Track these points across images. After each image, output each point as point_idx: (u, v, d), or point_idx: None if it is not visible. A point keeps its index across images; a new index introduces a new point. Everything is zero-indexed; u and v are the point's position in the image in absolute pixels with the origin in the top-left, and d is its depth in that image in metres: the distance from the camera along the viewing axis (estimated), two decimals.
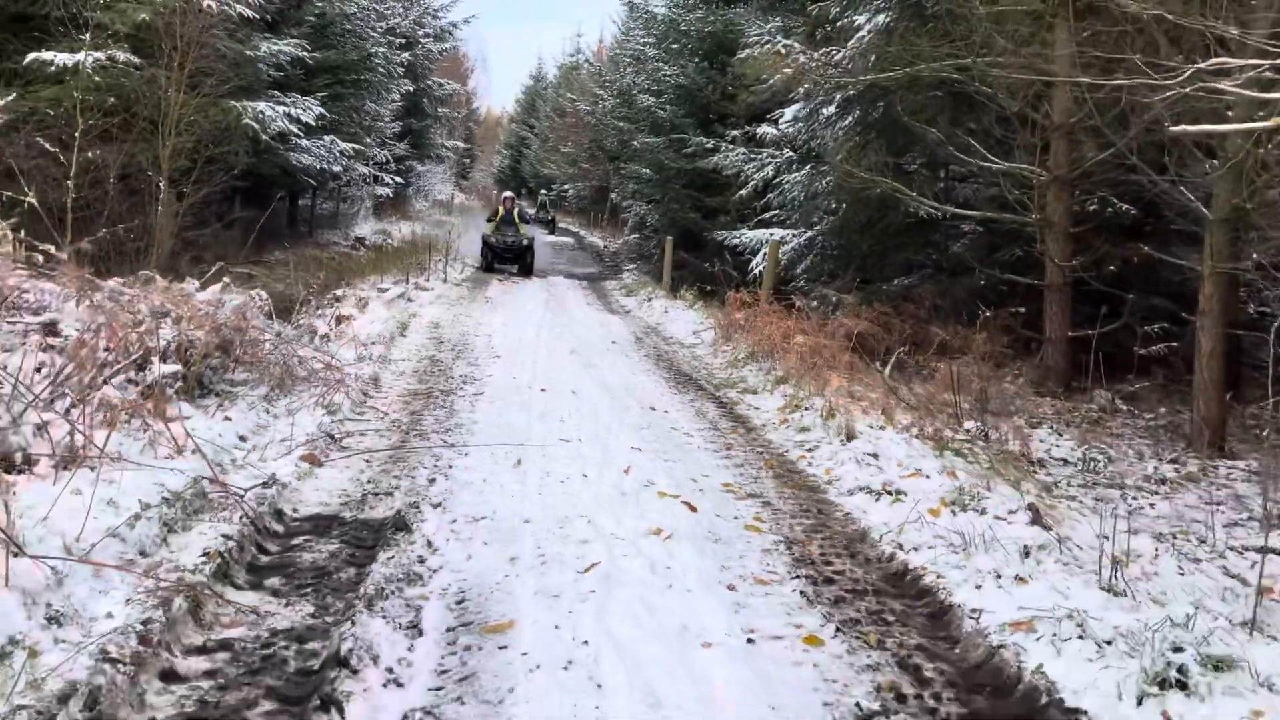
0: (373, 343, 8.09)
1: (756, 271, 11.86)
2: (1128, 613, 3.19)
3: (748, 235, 12.66)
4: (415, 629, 3.06)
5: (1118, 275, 8.99)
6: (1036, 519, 4.18)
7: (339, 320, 9.03)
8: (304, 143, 14.94)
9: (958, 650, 3.22)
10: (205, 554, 3.32)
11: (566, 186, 39.69)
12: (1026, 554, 3.75)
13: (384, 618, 3.07)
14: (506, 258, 18.19)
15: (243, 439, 4.70)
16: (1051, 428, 7.21)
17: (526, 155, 50.23)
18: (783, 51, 10.27)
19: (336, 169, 17.12)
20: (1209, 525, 4.70)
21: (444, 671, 2.83)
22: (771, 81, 10.46)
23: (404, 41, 24.89)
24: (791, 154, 12.07)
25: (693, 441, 5.81)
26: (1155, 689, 2.74)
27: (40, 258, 5.34)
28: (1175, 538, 4.54)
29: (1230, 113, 6.00)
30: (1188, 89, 4.60)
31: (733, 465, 5.33)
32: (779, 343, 8.06)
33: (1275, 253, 6.68)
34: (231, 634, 2.98)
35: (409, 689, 2.72)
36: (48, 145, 9.19)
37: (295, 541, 3.78)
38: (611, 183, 26.86)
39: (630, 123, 19.32)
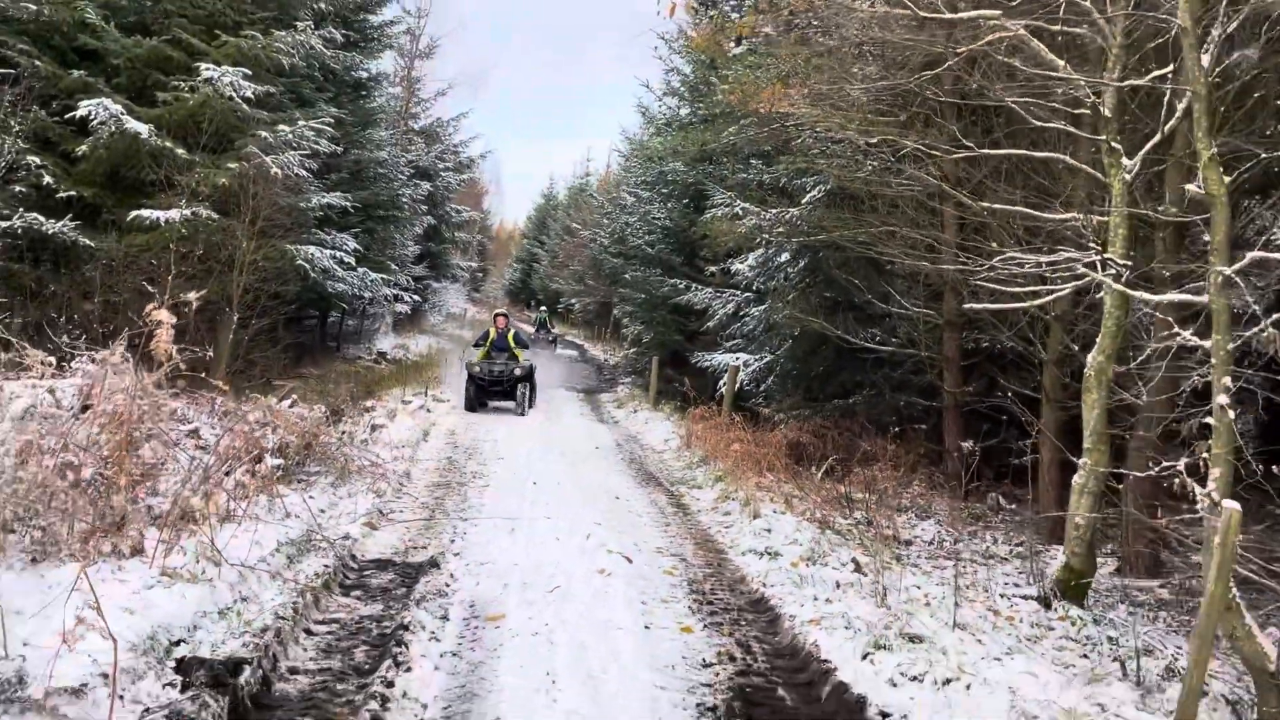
0: (402, 445, 10.22)
1: (722, 389, 14.04)
2: (873, 613, 5.22)
3: (717, 358, 14.88)
4: (444, 617, 5.10)
5: (1003, 397, 11.14)
6: (857, 568, 6.22)
7: (374, 428, 11.17)
8: (340, 272, 17.37)
9: (775, 637, 5.24)
10: (316, 573, 5.40)
11: (573, 301, 42.16)
12: (837, 586, 5.80)
13: (426, 610, 5.12)
14: (495, 391, 15.13)
15: (322, 510, 6.79)
16: (927, 517, 9.23)
17: (537, 270, 53.09)
18: (740, 214, 12.66)
19: (367, 295, 19.55)
20: (996, 583, 6.71)
21: (462, 636, 4.87)
22: (728, 242, 12.84)
23: (425, 173, 27.85)
24: (749, 294, 14.40)
25: (641, 520, 7.88)
26: (872, 649, 4.76)
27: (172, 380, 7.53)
28: (962, 586, 6.54)
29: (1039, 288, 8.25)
30: (989, 270, 6.84)
31: (667, 536, 7.39)
32: (722, 450, 10.18)
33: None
34: (338, 616, 5.04)
35: (443, 643, 4.75)
36: (146, 285, 11.58)
37: (366, 573, 5.85)
38: (614, 300, 29.35)
39: (624, 259, 21.80)
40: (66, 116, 11.93)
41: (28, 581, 4.09)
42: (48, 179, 11.80)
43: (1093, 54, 7.17)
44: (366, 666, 4.38)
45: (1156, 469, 4.68)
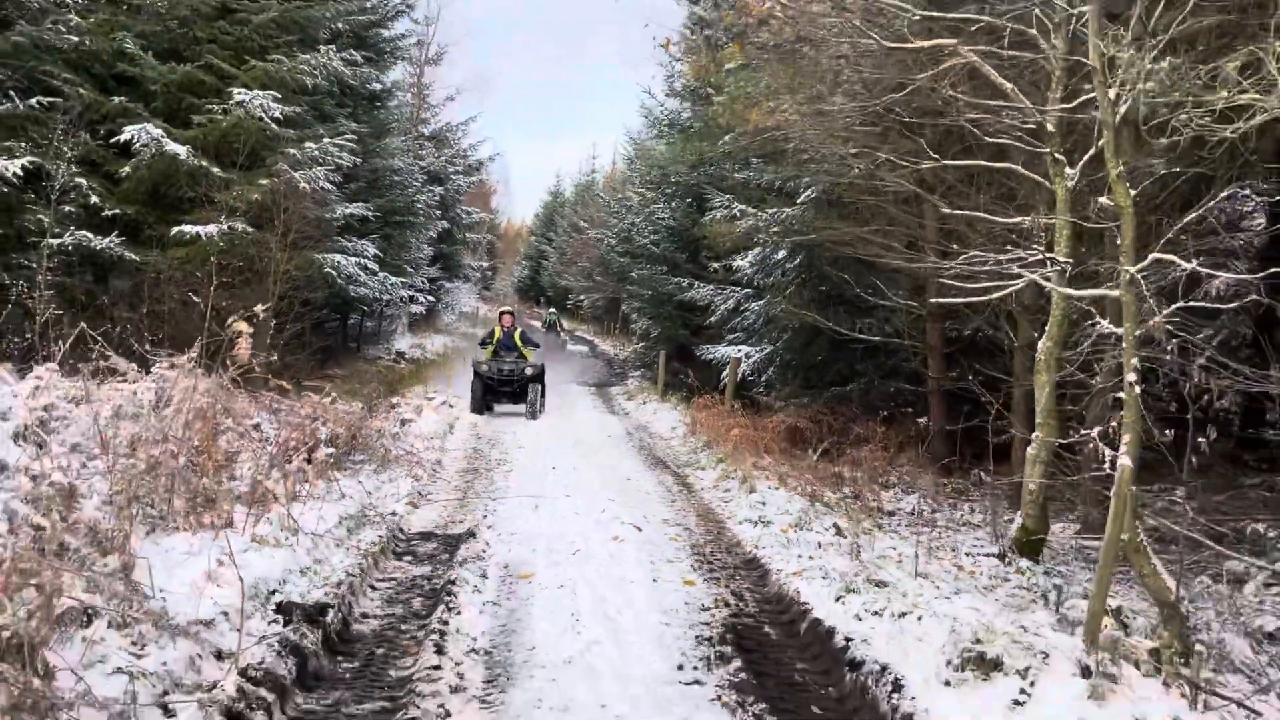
0: (431, 438, 11.16)
1: (725, 380, 14.95)
2: (848, 566, 6.14)
3: (720, 351, 15.79)
4: (484, 575, 6.04)
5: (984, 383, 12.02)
6: (838, 532, 7.13)
7: (403, 422, 12.11)
8: (363, 277, 18.35)
9: (764, 588, 6.16)
10: (373, 542, 6.34)
11: (582, 297, 42.97)
12: (819, 546, 6.71)
13: (467, 570, 6.06)
14: (504, 392, 14.54)
15: (369, 493, 7.73)
16: (912, 492, 10.12)
17: (545, 267, 53.93)
18: (738, 215, 13.56)
19: (386, 297, 20.54)
20: (964, 545, 7.60)
21: (500, 590, 5.80)
22: (727, 242, 13.76)
23: (436, 178, 28.81)
24: (749, 290, 15.30)
25: (650, 497, 8.81)
26: (844, 593, 5.67)
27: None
28: (933, 547, 7.45)
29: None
30: (959, 266, 7.72)
31: (673, 510, 8.32)
32: (723, 435, 11.10)
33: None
34: (394, 576, 5.99)
35: (484, 595, 5.69)
36: (192, 295, 12.55)
37: (413, 542, 6.80)
38: (622, 296, 30.19)
39: (631, 257, 22.70)
40: (110, 140, 12.92)
41: (150, 547, 5.04)
42: (94, 199, 12.79)
43: (1043, 76, 8.04)
44: (424, 612, 5.32)
45: (1076, 436, 5.56)
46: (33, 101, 12.28)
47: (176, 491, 5.59)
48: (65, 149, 12.29)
